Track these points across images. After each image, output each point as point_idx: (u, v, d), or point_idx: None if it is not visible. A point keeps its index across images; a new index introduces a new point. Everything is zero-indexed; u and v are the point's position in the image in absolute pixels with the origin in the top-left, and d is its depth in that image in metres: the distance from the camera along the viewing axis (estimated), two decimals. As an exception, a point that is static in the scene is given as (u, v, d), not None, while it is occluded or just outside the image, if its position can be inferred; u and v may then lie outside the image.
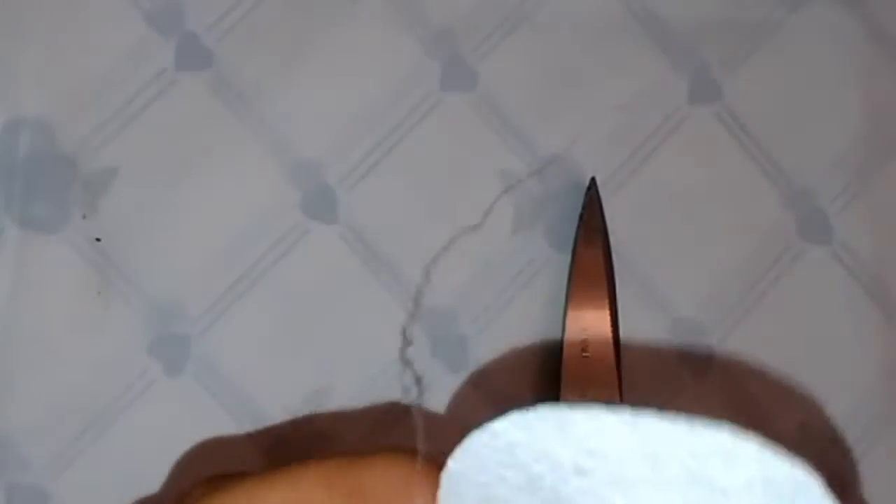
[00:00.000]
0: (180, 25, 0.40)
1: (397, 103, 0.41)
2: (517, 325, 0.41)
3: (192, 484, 0.26)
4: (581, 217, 0.40)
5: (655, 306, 0.41)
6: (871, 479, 0.41)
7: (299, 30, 0.41)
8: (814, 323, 0.42)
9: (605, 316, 0.39)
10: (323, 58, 0.41)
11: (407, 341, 0.23)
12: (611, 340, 0.39)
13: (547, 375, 0.40)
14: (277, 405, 0.39)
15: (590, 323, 0.39)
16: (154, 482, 0.38)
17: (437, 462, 0.24)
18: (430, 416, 0.26)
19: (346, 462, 0.25)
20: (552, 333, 0.40)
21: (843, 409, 0.42)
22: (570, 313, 0.39)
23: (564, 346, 0.39)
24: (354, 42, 0.41)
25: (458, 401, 0.40)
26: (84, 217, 0.39)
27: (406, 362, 0.24)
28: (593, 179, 0.40)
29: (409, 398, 0.24)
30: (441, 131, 0.41)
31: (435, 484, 0.23)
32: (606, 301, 0.39)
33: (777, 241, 0.43)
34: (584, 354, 0.39)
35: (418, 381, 0.23)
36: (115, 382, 0.38)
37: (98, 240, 0.39)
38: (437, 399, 0.40)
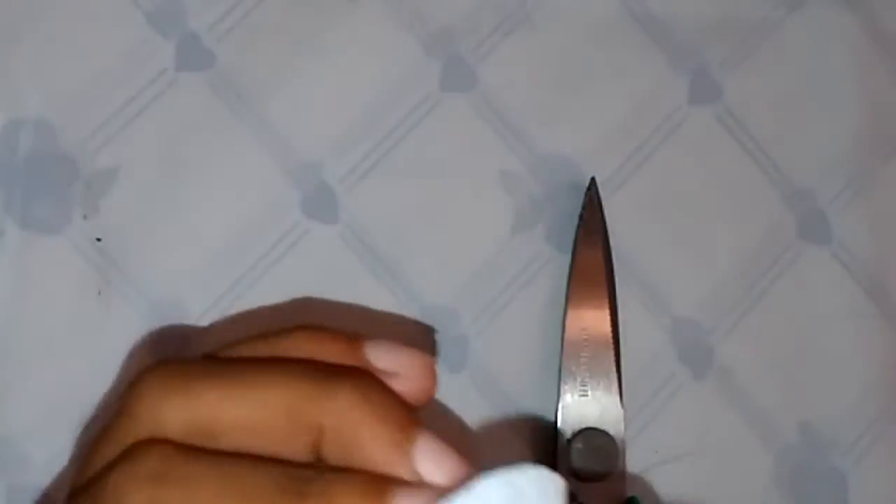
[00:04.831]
0: (181, 25, 0.40)
1: (397, 103, 0.41)
2: (517, 325, 0.41)
3: (146, 368, 0.25)
4: (581, 217, 0.40)
5: (655, 306, 0.41)
6: (871, 478, 0.41)
7: (299, 30, 0.41)
8: (813, 323, 0.42)
9: (605, 316, 0.39)
10: (323, 58, 0.41)
11: None
12: (611, 340, 0.39)
13: (547, 375, 0.40)
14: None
15: (590, 323, 0.39)
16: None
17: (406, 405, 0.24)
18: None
19: (311, 391, 0.24)
20: (552, 333, 0.40)
21: (843, 409, 0.42)
22: (570, 313, 0.39)
23: (564, 346, 0.39)
24: (354, 42, 0.41)
25: (458, 401, 0.40)
26: (85, 217, 0.39)
27: None
28: (593, 179, 0.40)
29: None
30: (441, 131, 0.41)
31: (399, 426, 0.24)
32: (606, 301, 0.39)
33: (777, 241, 0.43)
34: (583, 354, 0.39)
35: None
36: (115, 382, 0.38)
37: (99, 240, 0.39)
38: (437, 399, 0.40)
